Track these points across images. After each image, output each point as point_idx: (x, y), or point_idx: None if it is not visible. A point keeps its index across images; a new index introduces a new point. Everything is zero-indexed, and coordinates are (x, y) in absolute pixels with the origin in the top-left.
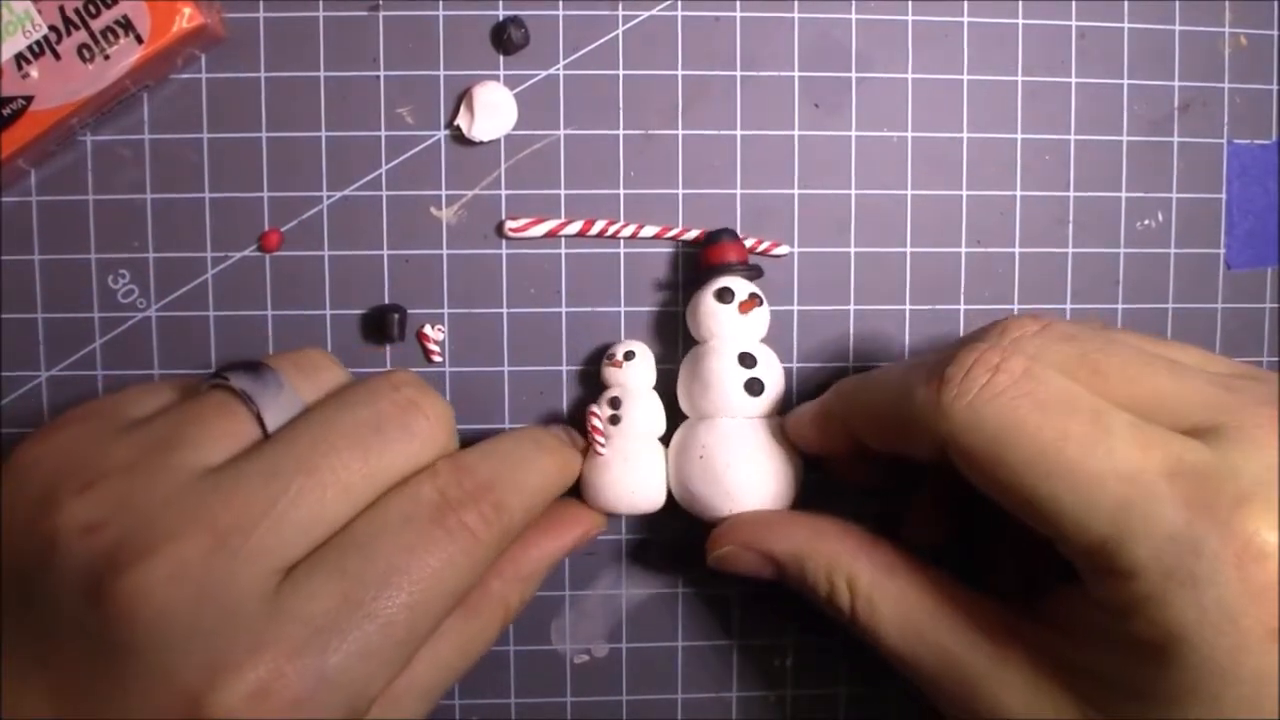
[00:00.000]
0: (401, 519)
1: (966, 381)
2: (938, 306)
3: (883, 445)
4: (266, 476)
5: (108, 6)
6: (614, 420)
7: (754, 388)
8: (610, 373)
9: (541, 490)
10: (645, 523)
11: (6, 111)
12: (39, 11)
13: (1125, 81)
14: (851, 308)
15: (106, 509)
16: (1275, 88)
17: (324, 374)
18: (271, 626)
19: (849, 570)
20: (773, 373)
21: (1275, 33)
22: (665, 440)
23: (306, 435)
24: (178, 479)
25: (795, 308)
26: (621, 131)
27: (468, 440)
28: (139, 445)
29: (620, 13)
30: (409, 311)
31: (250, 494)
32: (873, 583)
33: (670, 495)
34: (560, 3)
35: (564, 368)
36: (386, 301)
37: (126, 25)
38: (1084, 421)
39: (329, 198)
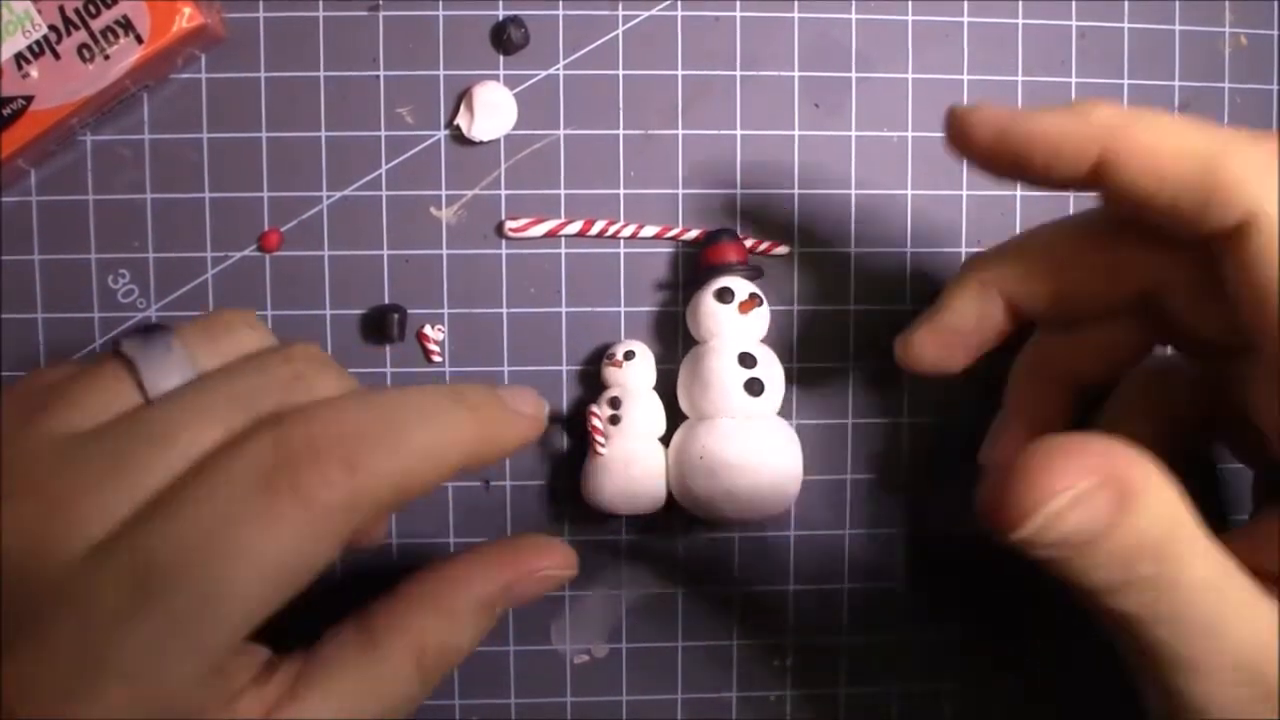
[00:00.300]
0: (221, 481)
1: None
2: None
3: (1130, 190)
4: (117, 444)
5: (108, 6)
6: (614, 420)
7: (754, 388)
8: (610, 373)
9: (432, 453)
10: (645, 523)
11: (6, 111)
12: (39, 11)
13: (1125, 81)
14: (851, 308)
15: None
16: (1275, 88)
17: (233, 337)
18: (57, 611)
19: (1192, 530)
20: (773, 373)
21: (1275, 33)
22: (665, 440)
23: (178, 404)
24: (40, 441)
25: (795, 308)
26: (621, 131)
27: None
28: (24, 405)
29: (620, 13)
30: (409, 311)
31: (91, 461)
32: (1199, 543)
33: (670, 495)
34: (560, 3)
35: (564, 368)
36: (386, 301)
37: (126, 25)
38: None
39: (329, 198)
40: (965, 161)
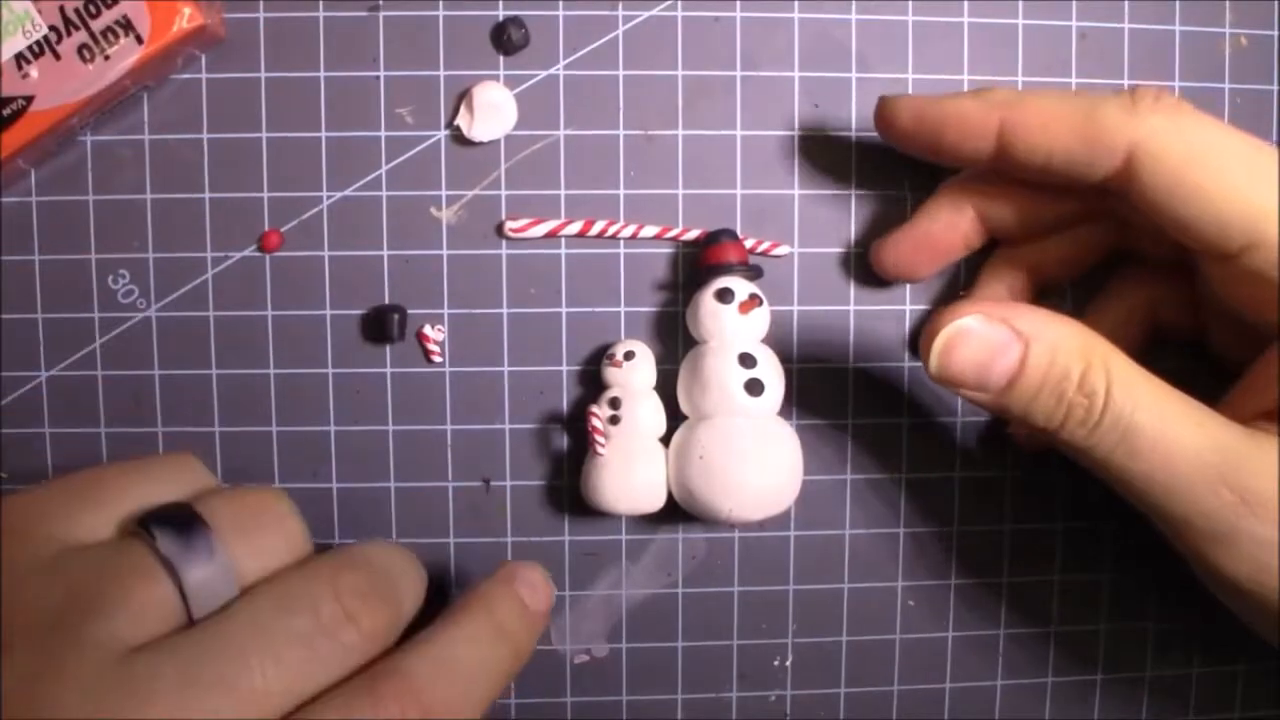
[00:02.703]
0: None
1: (1162, 99)
2: (938, 307)
3: (1029, 157)
4: (183, 684)
5: (108, 6)
6: (614, 420)
7: (754, 388)
8: (610, 373)
9: (493, 696)
10: (645, 523)
11: (7, 111)
12: (39, 11)
13: (1125, 82)
14: (851, 308)
15: (15, 678)
16: (1275, 88)
17: (267, 533)
18: None
19: (1106, 355)
20: (773, 373)
21: (1275, 33)
22: (665, 440)
23: (235, 640)
24: (92, 659)
25: (795, 308)
26: (621, 132)
27: (471, 440)
28: (57, 597)
29: (620, 13)
30: (409, 311)
31: (164, 700)
32: (1127, 360)
33: (670, 495)
34: (560, 3)
35: (564, 368)
36: (386, 302)
37: (126, 25)
38: (1255, 141)
39: (329, 198)
40: (891, 143)
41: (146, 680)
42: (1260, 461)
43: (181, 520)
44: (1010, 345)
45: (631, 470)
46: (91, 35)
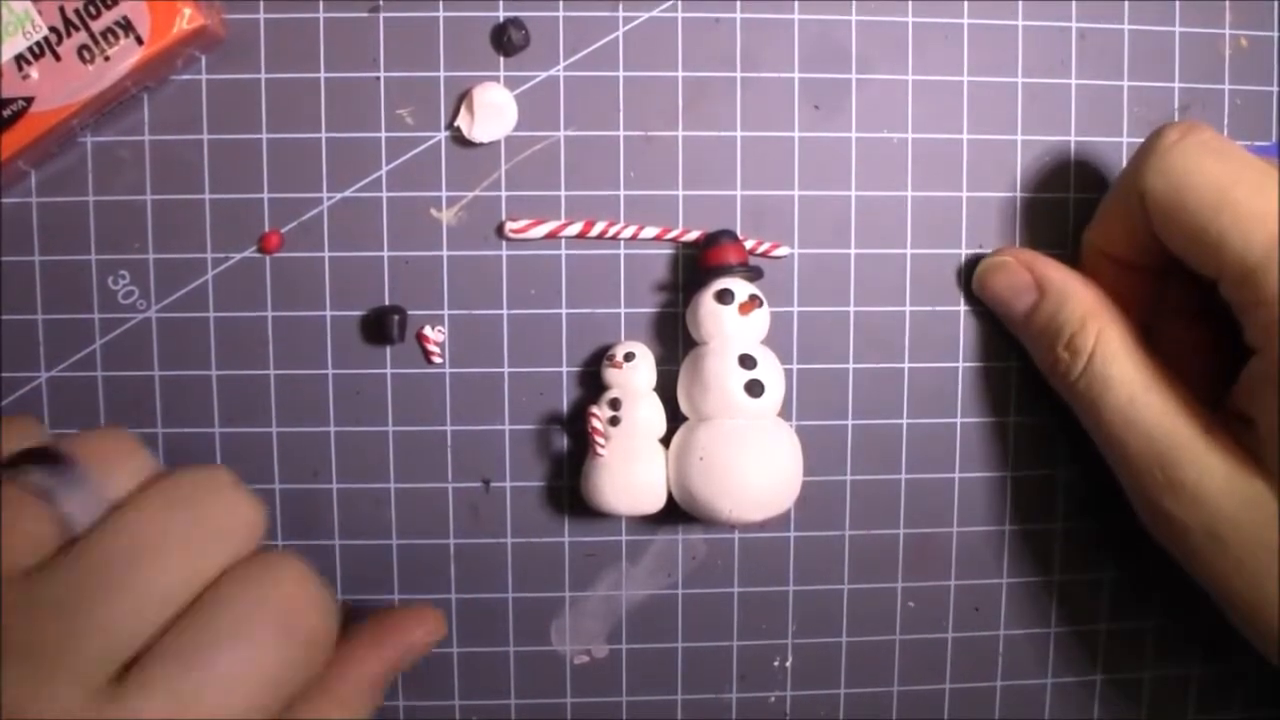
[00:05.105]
0: (242, 622)
1: (1157, 139)
2: (937, 307)
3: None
4: (82, 588)
5: (108, 7)
6: (614, 421)
7: (754, 389)
8: (610, 374)
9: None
10: (645, 523)
11: (7, 113)
12: (39, 12)
13: (1125, 83)
14: (851, 308)
15: None
16: (1275, 89)
17: (129, 461)
18: None
19: (1104, 320)
20: (773, 374)
21: (1275, 33)
22: (665, 441)
23: (124, 539)
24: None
25: (795, 309)
26: (622, 133)
27: (471, 441)
28: None
29: (620, 14)
30: (409, 313)
31: (66, 607)
32: (1121, 340)
33: (670, 496)
34: (560, 4)
35: (564, 369)
36: (387, 303)
37: (126, 26)
38: (1254, 172)
39: (329, 199)
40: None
41: (43, 592)
42: (1195, 460)
43: (47, 456)
44: (1029, 290)
45: (631, 471)
46: (91, 36)
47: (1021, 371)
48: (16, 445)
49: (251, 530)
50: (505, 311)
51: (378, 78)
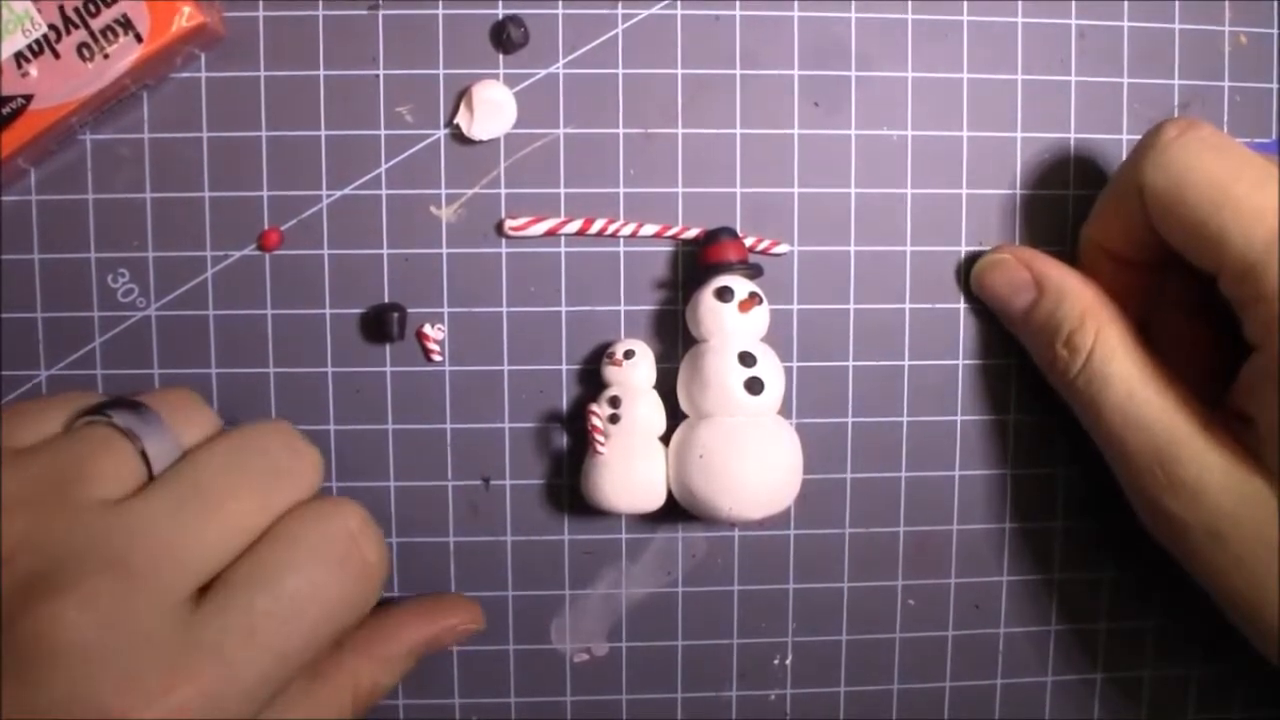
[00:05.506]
0: (309, 553)
1: (1156, 135)
2: (937, 305)
3: (1127, 245)
4: (171, 515)
5: (107, 5)
6: (614, 419)
7: (754, 387)
8: (610, 371)
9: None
10: (645, 522)
11: (6, 110)
12: (38, 10)
13: (1125, 80)
14: (851, 307)
15: (12, 543)
16: (1275, 87)
17: (198, 416)
18: (183, 658)
19: (1102, 318)
20: (773, 372)
21: (1275, 32)
22: (665, 439)
23: (205, 475)
24: (80, 514)
25: (795, 307)
26: (621, 130)
27: (470, 439)
28: (34, 479)
29: (620, 11)
30: (409, 310)
31: (155, 531)
32: (1119, 337)
33: (670, 495)
34: (560, 1)
35: (564, 367)
36: (386, 300)
37: (126, 24)
38: (1254, 169)
39: (329, 197)
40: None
41: (135, 516)
42: (1195, 458)
43: (130, 404)
44: (1027, 287)
45: (631, 469)
46: (91, 34)
47: (1022, 369)
48: (87, 404)
49: (313, 473)
50: (505, 309)
51: (377, 75)
